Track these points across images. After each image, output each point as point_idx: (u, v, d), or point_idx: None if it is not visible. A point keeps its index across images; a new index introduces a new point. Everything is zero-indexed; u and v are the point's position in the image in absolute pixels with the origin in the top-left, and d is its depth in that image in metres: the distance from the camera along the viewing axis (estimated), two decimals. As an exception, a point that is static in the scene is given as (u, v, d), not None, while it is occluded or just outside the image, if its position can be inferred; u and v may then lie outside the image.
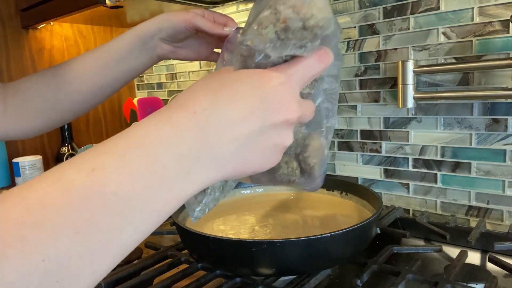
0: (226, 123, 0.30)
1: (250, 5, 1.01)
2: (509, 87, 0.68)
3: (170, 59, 0.60)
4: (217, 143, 0.30)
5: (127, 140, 0.28)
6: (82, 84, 0.59)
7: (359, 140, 0.88)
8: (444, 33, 0.74)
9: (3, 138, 0.61)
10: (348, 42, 0.87)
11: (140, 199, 0.26)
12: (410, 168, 0.82)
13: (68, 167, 0.26)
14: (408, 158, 0.82)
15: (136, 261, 0.64)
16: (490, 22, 0.69)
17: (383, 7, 0.81)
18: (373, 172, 0.87)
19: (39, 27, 1.22)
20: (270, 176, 0.42)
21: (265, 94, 0.31)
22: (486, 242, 0.65)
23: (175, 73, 1.29)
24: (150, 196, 0.27)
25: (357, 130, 0.88)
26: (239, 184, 0.82)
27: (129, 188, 0.26)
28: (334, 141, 0.92)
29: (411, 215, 0.82)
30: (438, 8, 0.74)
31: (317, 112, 0.40)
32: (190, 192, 0.30)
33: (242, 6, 1.04)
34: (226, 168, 0.31)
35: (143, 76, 1.41)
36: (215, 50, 0.60)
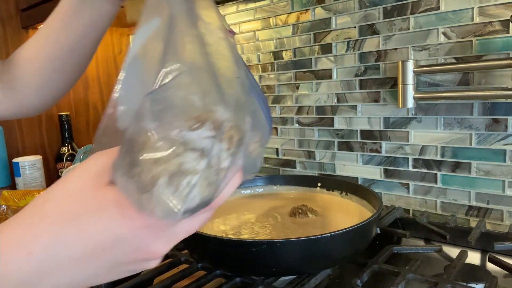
0: (69, 262, 0.27)
1: (250, 5, 1.01)
2: (509, 87, 0.68)
3: None
4: (56, 280, 0.27)
5: None
6: (56, 49, 0.55)
7: (359, 140, 0.88)
8: (444, 33, 0.74)
9: (2, 117, 0.59)
10: (348, 42, 0.87)
11: None
12: (410, 168, 0.82)
13: None
14: (408, 158, 0.82)
15: (136, 261, 0.64)
16: (490, 22, 0.69)
17: (383, 7, 0.81)
18: (373, 172, 0.87)
19: (39, 27, 1.22)
20: None
21: (122, 237, 0.27)
22: (486, 242, 0.65)
23: (175, 73, 1.29)
24: None
25: (357, 130, 0.88)
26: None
27: None
28: (334, 141, 0.92)
29: (411, 215, 0.82)
30: (438, 8, 0.74)
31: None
32: None
33: (242, 6, 1.04)
34: None
35: (143, 76, 1.40)
36: None
